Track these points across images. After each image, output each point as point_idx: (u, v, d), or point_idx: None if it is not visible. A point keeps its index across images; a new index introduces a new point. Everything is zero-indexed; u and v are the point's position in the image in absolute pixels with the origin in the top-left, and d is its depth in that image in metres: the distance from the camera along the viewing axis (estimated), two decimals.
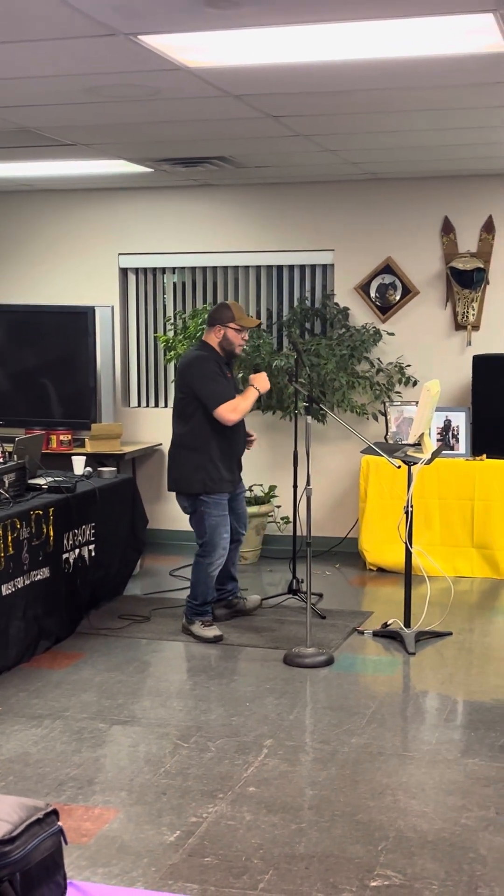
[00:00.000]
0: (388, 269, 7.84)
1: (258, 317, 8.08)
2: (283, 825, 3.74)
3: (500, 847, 3.58)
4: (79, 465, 6.60)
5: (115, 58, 4.23)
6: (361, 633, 5.96)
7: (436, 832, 3.68)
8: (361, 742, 4.46)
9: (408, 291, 7.81)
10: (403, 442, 6.70)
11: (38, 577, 5.55)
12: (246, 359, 7.39)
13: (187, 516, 5.92)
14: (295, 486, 6.56)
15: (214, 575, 5.87)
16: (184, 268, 8.35)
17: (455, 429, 7.40)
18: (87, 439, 7.64)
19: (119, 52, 4.12)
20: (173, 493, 5.93)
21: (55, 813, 2.91)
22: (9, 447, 5.99)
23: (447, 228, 7.70)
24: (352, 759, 4.29)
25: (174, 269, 8.40)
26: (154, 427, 8.31)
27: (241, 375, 7.32)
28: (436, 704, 5.02)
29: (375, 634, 5.92)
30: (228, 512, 5.88)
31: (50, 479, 5.99)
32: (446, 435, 7.40)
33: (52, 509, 5.67)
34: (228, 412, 5.69)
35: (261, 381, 5.86)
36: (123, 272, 8.43)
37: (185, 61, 4.30)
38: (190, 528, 5.96)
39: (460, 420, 7.40)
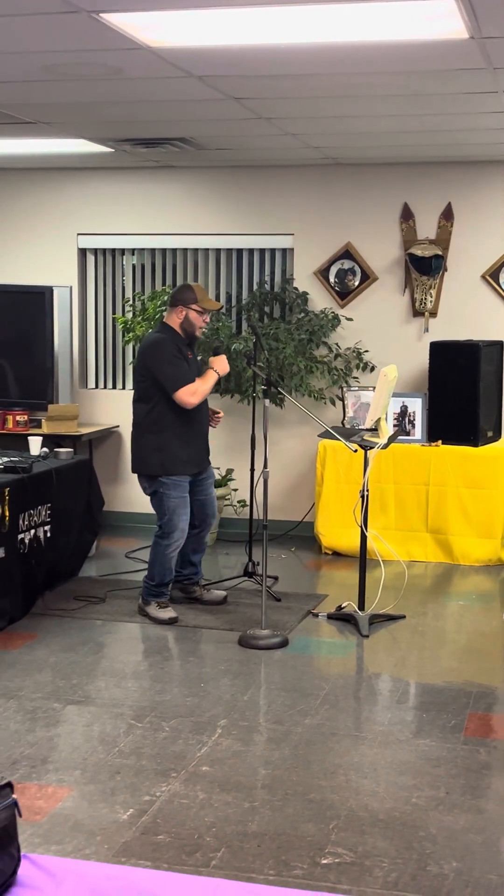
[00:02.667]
0: (347, 254, 7.86)
1: (217, 300, 8.06)
2: (236, 804, 3.76)
3: (449, 826, 3.63)
4: (35, 445, 6.58)
5: (76, 35, 4.20)
6: (316, 615, 6.00)
7: (387, 811, 3.73)
8: (314, 722, 4.50)
9: (366, 277, 7.84)
10: (360, 427, 6.74)
11: None
12: (205, 341, 7.39)
13: (146, 498, 5.91)
14: (252, 470, 6.57)
15: (172, 556, 5.86)
16: (143, 249, 8.32)
17: (411, 414, 7.46)
18: (43, 420, 7.60)
19: (80, 29, 4.09)
20: (130, 475, 5.93)
21: (10, 786, 2.92)
22: None
23: (406, 215, 7.73)
24: (305, 740, 4.33)
25: (133, 250, 8.37)
26: (111, 408, 8.28)
27: (200, 358, 7.31)
28: (388, 686, 5.07)
29: (330, 617, 5.96)
30: (194, 497, 5.89)
31: (6, 459, 5.97)
32: (402, 420, 7.45)
33: (7, 489, 5.64)
34: (188, 395, 5.69)
35: (220, 364, 5.87)
36: (82, 252, 8.38)
37: (148, 41, 4.28)
38: (147, 511, 5.96)
39: (417, 406, 7.45)
